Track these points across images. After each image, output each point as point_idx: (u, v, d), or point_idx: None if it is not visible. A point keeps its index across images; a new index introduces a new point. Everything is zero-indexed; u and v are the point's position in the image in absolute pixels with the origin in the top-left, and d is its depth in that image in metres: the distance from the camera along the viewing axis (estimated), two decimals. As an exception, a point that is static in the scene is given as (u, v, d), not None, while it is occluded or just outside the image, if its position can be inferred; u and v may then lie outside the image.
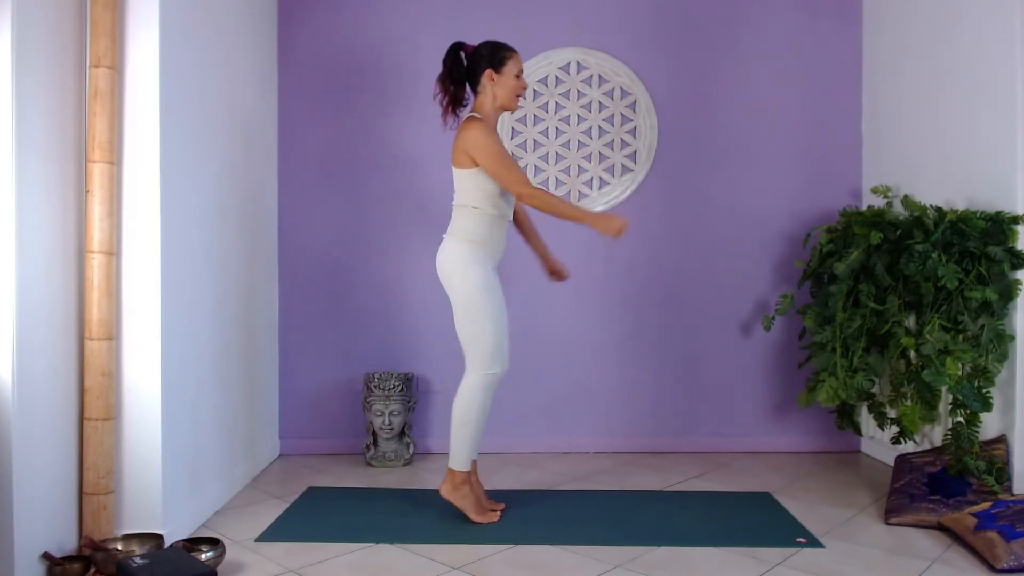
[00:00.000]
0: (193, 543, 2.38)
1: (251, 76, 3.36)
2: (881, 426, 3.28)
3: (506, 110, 2.80)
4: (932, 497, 2.79)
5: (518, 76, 2.76)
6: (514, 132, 3.74)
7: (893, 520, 2.76)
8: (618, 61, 3.74)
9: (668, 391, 3.79)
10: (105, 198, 2.33)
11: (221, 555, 2.35)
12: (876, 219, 3.16)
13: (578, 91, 3.74)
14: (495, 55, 2.73)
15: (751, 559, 2.43)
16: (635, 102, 3.74)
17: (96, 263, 2.32)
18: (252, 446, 3.34)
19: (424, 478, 3.34)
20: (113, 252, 2.36)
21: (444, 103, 2.77)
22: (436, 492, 2.96)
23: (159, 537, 2.40)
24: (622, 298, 3.78)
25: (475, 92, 2.78)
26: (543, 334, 3.69)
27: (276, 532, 2.67)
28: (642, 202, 3.76)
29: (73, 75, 2.33)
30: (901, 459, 3.03)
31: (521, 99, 2.89)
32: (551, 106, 3.75)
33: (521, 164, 3.73)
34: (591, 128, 3.75)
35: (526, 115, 3.72)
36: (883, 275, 3.03)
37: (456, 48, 2.78)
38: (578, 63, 3.74)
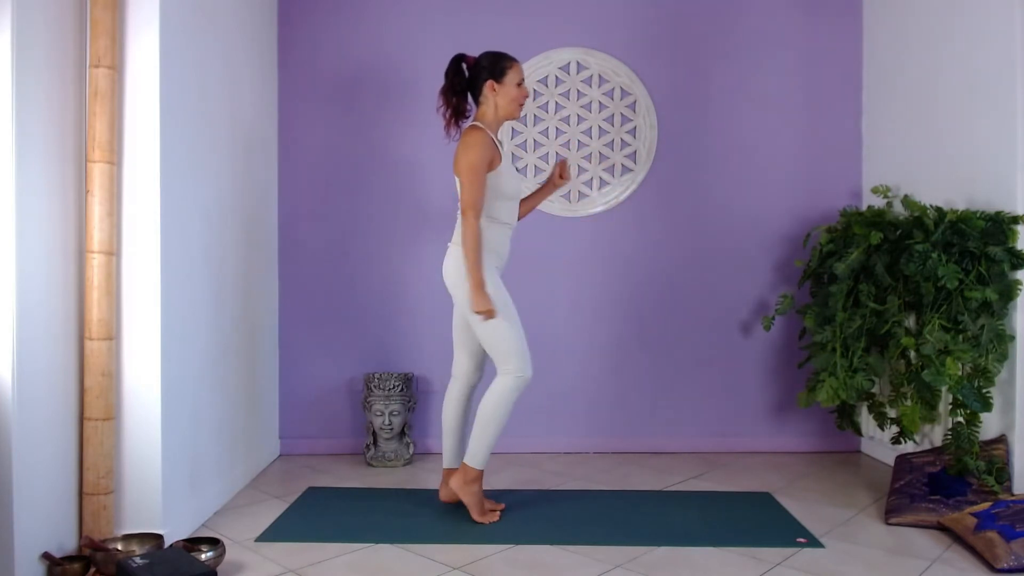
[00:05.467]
0: (193, 543, 2.38)
1: (251, 76, 3.36)
2: (881, 426, 3.28)
3: (508, 119, 2.81)
4: (932, 497, 2.79)
5: (519, 85, 2.77)
6: (514, 132, 3.74)
7: (893, 520, 2.76)
8: (618, 61, 3.74)
9: (668, 391, 3.79)
10: (105, 198, 2.33)
11: (221, 555, 2.35)
12: (876, 219, 3.16)
13: (578, 91, 3.74)
14: (496, 65, 2.74)
15: (751, 559, 2.43)
16: (635, 102, 3.74)
17: (96, 263, 2.32)
18: (252, 446, 3.34)
19: (424, 478, 3.34)
20: (113, 252, 2.36)
21: (447, 115, 2.79)
22: (436, 492, 2.97)
23: (159, 537, 2.40)
24: (621, 298, 3.78)
25: (477, 103, 2.79)
26: (542, 334, 3.69)
27: (276, 532, 2.67)
28: (642, 202, 3.76)
29: (73, 75, 2.33)
30: (901, 459, 3.03)
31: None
32: (551, 106, 3.75)
33: (521, 164, 3.73)
34: (591, 128, 3.75)
35: (526, 115, 3.72)
36: (883, 275, 3.03)
37: (458, 60, 2.79)
38: (578, 63, 3.74)
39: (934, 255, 2.81)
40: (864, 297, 3.09)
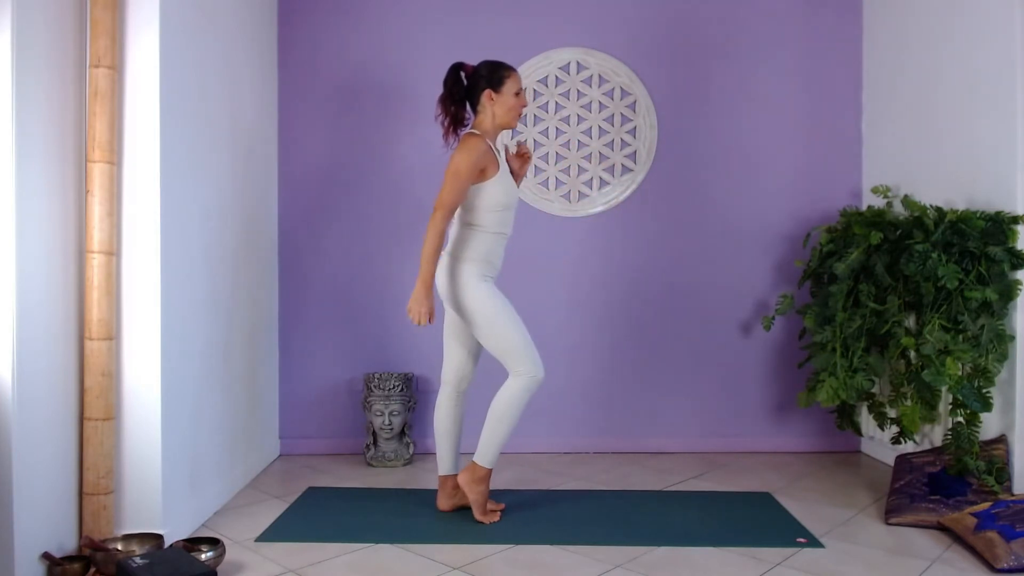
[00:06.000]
0: (193, 543, 2.38)
1: (251, 76, 3.35)
2: (881, 426, 3.28)
3: (506, 128, 2.81)
4: (932, 497, 2.79)
5: (517, 94, 2.77)
6: (514, 132, 3.73)
7: (893, 520, 2.76)
8: (618, 61, 3.74)
9: (668, 391, 3.79)
10: (105, 198, 2.33)
11: (221, 555, 2.35)
12: (876, 219, 3.16)
13: (578, 91, 3.74)
14: (494, 75, 2.74)
15: (751, 559, 2.44)
16: (635, 102, 3.74)
17: (96, 263, 2.32)
18: (252, 446, 3.34)
19: (424, 478, 3.34)
20: (113, 252, 2.36)
21: (445, 124, 2.79)
22: (435, 492, 2.97)
23: (159, 537, 2.40)
24: (621, 298, 3.78)
25: (475, 111, 2.79)
26: (542, 335, 3.68)
27: (276, 532, 2.67)
28: (642, 202, 3.76)
29: (73, 75, 2.33)
30: (901, 459, 3.03)
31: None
32: (551, 106, 3.75)
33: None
34: (591, 128, 3.75)
35: (526, 115, 3.72)
36: (883, 275, 3.03)
37: (456, 69, 2.79)
38: (578, 63, 3.74)
39: (934, 255, 2.81)
40: (864, 297, 3.09)
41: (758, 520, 2.81)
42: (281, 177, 3.73)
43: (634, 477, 3.35)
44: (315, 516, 2.84)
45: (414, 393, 3.62)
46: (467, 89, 2.78)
